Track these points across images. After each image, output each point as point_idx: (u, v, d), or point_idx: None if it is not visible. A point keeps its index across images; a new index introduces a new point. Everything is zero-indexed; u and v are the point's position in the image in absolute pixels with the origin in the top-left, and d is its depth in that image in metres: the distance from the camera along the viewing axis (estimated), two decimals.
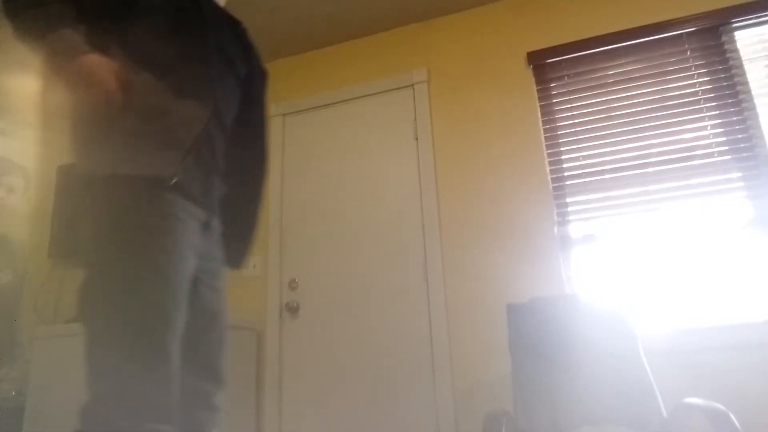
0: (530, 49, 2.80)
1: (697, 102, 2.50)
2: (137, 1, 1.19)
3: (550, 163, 2.66)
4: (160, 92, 1.12)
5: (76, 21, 1.11)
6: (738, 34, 2.52)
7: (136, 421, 0.93)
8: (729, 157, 2.40)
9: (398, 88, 3.01)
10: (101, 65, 1.06)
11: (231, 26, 1.40)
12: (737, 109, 2.43)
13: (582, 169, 2.61)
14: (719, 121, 2.45)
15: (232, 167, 1.32)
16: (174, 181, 1.06)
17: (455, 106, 2.88)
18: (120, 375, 0.94)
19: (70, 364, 2.55)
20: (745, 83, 2.44)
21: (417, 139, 2.90)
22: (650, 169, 2.49)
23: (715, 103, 2.47)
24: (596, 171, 2.57)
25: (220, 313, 1.23)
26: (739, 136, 2.40)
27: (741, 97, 2.44)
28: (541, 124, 2.71)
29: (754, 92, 2.42)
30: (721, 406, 1.55)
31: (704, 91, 2.50)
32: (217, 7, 1.38)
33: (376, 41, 3.15)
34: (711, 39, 2.54)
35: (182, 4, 1.23)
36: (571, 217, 2.57)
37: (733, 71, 2.47)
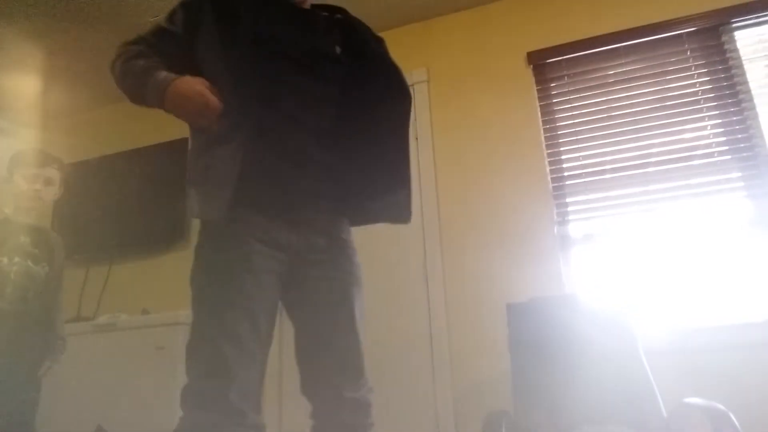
0: (530, 49, 2.79)
1: (697, 102, 2.50)
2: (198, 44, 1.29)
3: (550, 163, 2.66)
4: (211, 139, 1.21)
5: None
6: (738, 34, 2.52)
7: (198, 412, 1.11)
8: (729, 157, 2.39)
9: None
10: (194, 81, 1.16)
11: (306, 20, 1.39)
12: (737, 109, 2.43)
13: (582, 168, 2.61)
14: (719, 121, 2.45)
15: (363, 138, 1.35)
16: (222, 218, 1.15)
17: (455, 106, 2.88)
18: (192, 374, 1.14)
19: (70, 363, 2.55)
20: (745, 83, 2.44)
21: (417, 138, 2.90)
22: (650, 169, 2.49)
23: (715, 103, 2.47)
24: (596, 171, 2.57)
25: (341, 302, 1.27)
26: (739, 136, 2.40)
27: (741, 97, 2.44)
28: (541, 123, 2.71)
29: (754, 92, 2.42)
30: (721, 406, 1.55)
31: (704, 91, 2.50)
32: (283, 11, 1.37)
33: None
34: (711, 39, 2.54)
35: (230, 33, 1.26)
36: (571, 217, 2.57)
37: (733, 71, 2.47)
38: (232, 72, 1.21)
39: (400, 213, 1.36)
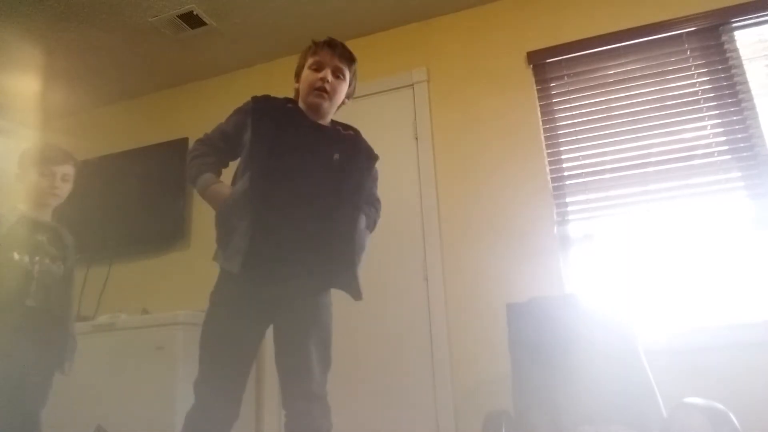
0: (530, 49, 2.80)
1: (697, 102, 2.50)
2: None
3: (550, 163, 2.66)
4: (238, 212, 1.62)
5: (214, 167, 1.74)
6: (738, 34, 2.52)
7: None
8: (729, 156, 2.39)
9: (398, 88, 3.01)
10: (217, 191, 1.66)
11: (320, 135, 1.77)
12: (737, 108, 2.43)
13: (582, 168, 2.61)
14: (719, 120, 2.45)
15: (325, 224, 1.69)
16: (236, 271, 1.57)
17: (455, 106, 2.88)
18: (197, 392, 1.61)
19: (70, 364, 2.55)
20: (745, 83, 2.44)
21: (417, 138, 2.90)
22: (650, 169, 2.49)
23: (715, 103, 2.47)
24: (596, 171, 2.57)
25: (301, 339, 1.63)
26: (739, 135, 2.40)
27: (741, 96, 2.44)
28: (541, 123, 2.71)
29: (754, 92, 2.42)
30: (721, 406, 1.55)
31: (704, 91, 2.50)
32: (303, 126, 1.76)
33: (375, 41, 3.15)
34: (711, 39, 2.54)
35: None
36: (570, 217, 2.57)
37: (733, 71, 2.47)
38: (252, 168, 1.63)
39: (353, 290, 1.69)
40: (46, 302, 1.93)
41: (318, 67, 1.75)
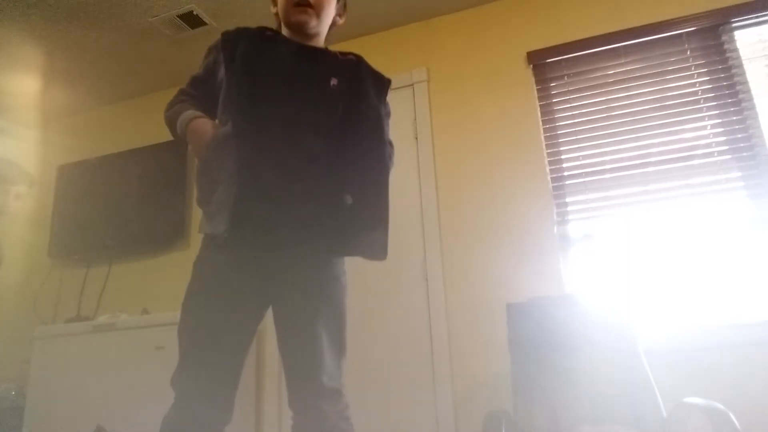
0: (530, 49, 2.79)
1: (697, 102, 2.50)
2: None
3: (550, 163, 2.66)
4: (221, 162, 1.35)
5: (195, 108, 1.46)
6: (738, 34, 2.52)
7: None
8: (729, 156, 2.39)
9: (398, 88, 3.01)
10: (206, 122, 1.41)
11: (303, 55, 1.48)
12: (737, 108, 2.43)
13: (582, 168, 2.61)
14: (719, 120, 2.45)
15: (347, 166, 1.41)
16: (225, 235, 1.30)
17: (455, 106, 2.88)
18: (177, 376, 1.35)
19: (70, 363, 2.55)
20: (745, 83, 2.44)
21: (417, 138, 2.90)
22: (650, 169, 2.49)
23: (715, 103, 2.47)
24: (596, 171, 2.57)
25: (309, 321, 1.35)
26: (739, 135, 2.40)
27: (741, 96, 2.44)
28: (540, 123, 2.71)
29: (754, 92, 2.42)
30: (721, 406, 1.55)
31: (704, 91, 2.50)
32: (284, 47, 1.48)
33: (375, 41, 3.15)
34: (711, 39, 2.54)
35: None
36: (570, 217, 2.57)
37: (733, 71, 2.47)
38: (233, 108, 1.37)
39: (377, 251, 1.40)
40: None
41: None
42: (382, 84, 1.52)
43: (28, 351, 2.74)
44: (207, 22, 2.93)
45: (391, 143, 1.54)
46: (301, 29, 1.47)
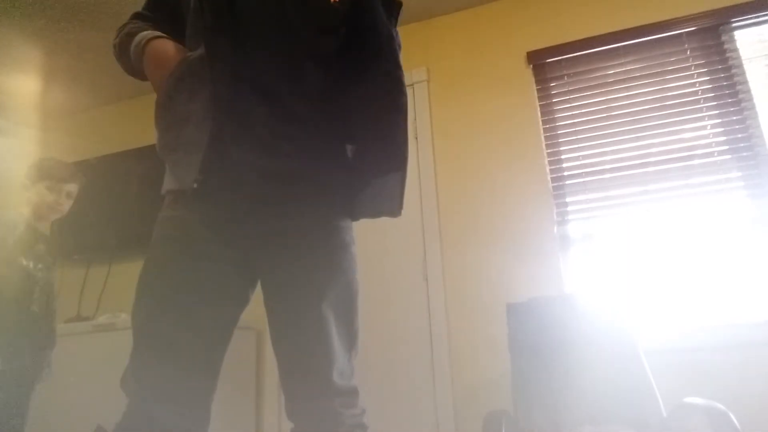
0: (530, 49, 2.79)
1: (697, 102, 2.50)
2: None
3: (550, 163, 2.66)
4: (185, 100, 1.04)
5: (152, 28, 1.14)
6: (738, 34, 2.52)
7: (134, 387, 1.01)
8: (729, 156, 2.39)
9: None
10: (161, 49, 1.06)
11: None
12: (737, 108, 2.43)
13: (582, 168, 2.61)
14: (719, 120, 2.45)
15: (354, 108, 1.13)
16: (194, 187, 0.99)
17: (455, 106, 2.88)
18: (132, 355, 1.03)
19: (70, 363, 2.55)
20: (745, 83, 2.44)
21: (416, 138, 2.90)
22: (650, 169, 2.49)
23: (715, 103, 2.47)
24: (596, 170, 2.57)
25: (298, 301, 1.06)
26: (739, 135, 2.40)
27: (741, 96, 2.43)
28: (540, 123, 2.71)
29: (754, 92, 2.42)
30: (721, 406, 1.55)
31: (704, 91, 2.50)
32: None
33: None
34: (711, 39, 2.54)
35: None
36: (570, 217, 2.57)
37: (733, 71, 2.47)
38: (205, 25, 1.04)
39: (390, 206, 1.13)
40: (46, 309, 2.01)
41: None
42: (392, 5, 1.20)
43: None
44: None
45: (402, 81, 1.18)
46: None
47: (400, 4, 1.23)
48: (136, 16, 1.21)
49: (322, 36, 1.12)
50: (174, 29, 1.13)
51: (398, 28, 1.22)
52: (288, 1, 1.11)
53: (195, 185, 0.98)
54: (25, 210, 2.05)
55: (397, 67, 1.17)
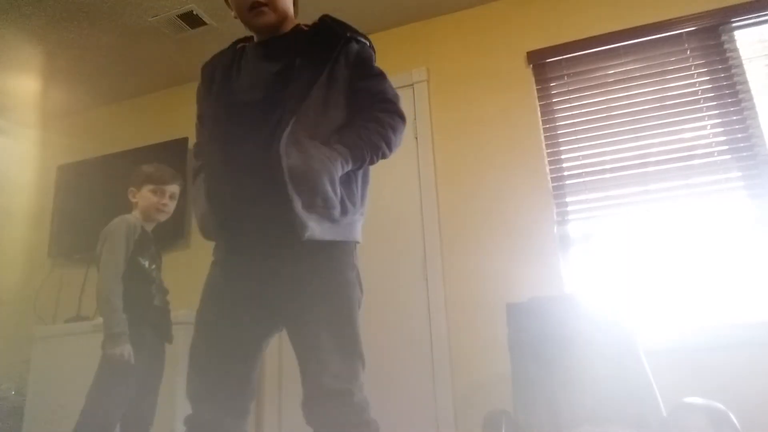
0: (530, 49, 2.79)
1: (697, 101, 2.50)
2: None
3: (550, 163, 2.66)
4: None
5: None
6: (738, 34, 2.52)
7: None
8: (729, 156, 2.39)
9: (398, 88, 2.94)
10: None
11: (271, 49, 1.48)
12: (737, 108, 2.43)
13: (582, 168, 2.60)
14: (719, 120, 2.45)
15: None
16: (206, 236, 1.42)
17: (455, 106, 2.88)
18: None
19: (70, 363, 2.55)
20: (745, 83, 2.44)
21: (416, 138, 2.90)
22: (650, 169, 2.49)
23: (715, 103, 2.47)
24: (596, 170, 2.57)
25: (297, 325, 1.34)
26: (739, 135, 2.40)
27: (741, 96, 2.43)
28: (540, 123, 2.71)
29: (754, 92, 2.42)
30: (721, 406, 1.55)
31: (704, 91, 2.50)
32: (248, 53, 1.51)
33: (375, 40, 3.09)
34: (711, 38, 2.54)
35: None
36: (570, 217, 2.57)
37: (733, 71, 2.47)
38: (206, 126, 1.46)
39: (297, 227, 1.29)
40: (164, 303, 2.17)
41: None
42: (339, 34, 1.44)
43: (28, 351, 2.74)
44: (207, 22, 2.93)
45: (388, 100, 1.53)
46: (266, 28, 1.46)
47: (354, 32, 1.50)
48: (196, 148, 1.56)
49: (292, 101, 1.35)
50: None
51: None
52: (264, 94, 1.39)
53: (206, 236, 1.43)
54: (135, 214, 2.20)
55: (387, 112, 1.56)
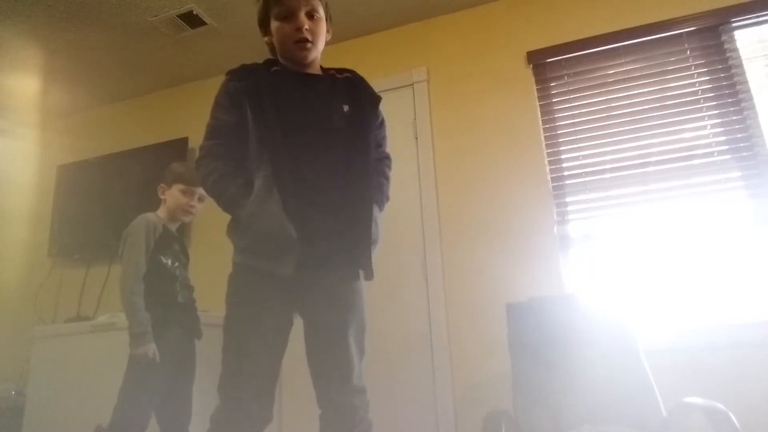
0: (530, 49, 2.79)
1: (697, 101, 2.50)
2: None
3: (550, 163, 2.66)
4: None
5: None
6: (738, 34, 2.52)
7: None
8: (729, 156, 2.39)
9: (398, 88, 3.01)
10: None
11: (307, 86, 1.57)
12: (737, 108, 2.43)
13: (582, 168, 2.61)
14: (719, 120, 2.45)
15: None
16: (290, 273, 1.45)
17: (455, 106, 2.88)
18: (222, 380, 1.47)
19: (70, 363, 2.55)
20: (745, 83, 2.44)
21: (416, 138, 2.90)
22: (650, 169, 2.49)
23: (714, 103, 2.47)
24: (596, 170, 2.57)
25: (333, 333, 1.50)
26: (739, 135, 2.40)
27: (741, 96, 2.43)
28: (540, 123, 2.71)
29: (754, 92, 2.42)
30: (721, 406, 1.55)
31: (704, 91, 2.50)
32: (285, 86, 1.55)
33: (375, 40, 3.15)
34: (711, 38, 2.54)
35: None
36: (570, 217, 2.57)
37: (733, 71, 2.47)
38: (268, 151, 1.44)
39: (368, 270, 1.53)
40: (190, 300, 2.18)
41: (287, 16, 1.51)
42: (375, 100, 1.62)
43: (28, 351, 2.74)
44: (207, 22, 2.93)
45: (388, 156, 1.69)
46: (304, 63, 1.57)
47: (380, 99, 1.63)
48: (213, 155, 1.53)
49: (344, 140, 1.52)
50: (237, 149, 1.52)
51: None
52: (317, 122, 1.51)
53: (291, 273, 1.44)
54: (160, 212, 2.18)
55: (388, 168, 1.71)
